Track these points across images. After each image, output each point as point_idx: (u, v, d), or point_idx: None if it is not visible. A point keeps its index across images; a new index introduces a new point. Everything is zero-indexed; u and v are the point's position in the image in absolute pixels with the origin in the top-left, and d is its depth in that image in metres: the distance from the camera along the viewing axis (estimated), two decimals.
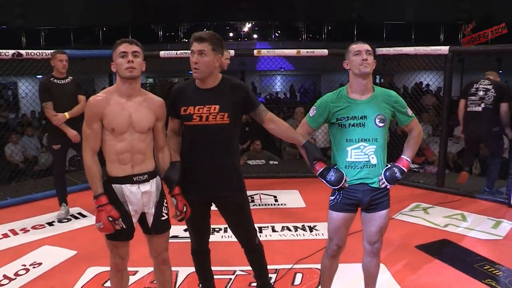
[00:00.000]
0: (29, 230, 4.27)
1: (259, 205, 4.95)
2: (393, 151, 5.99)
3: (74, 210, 4.79)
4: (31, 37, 17.46)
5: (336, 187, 2.47)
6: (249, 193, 2.71)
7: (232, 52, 5.36)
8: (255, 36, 19.13)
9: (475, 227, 4.25)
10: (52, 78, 4.47)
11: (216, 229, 4.04)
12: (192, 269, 3.27)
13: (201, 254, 2.74)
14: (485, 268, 3.39)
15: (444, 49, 5.22)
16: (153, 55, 5.82)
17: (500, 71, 17.85)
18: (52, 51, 4.61)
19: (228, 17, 19.59)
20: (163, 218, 2.47)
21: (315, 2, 19.64)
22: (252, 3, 20.13)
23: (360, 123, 2.41)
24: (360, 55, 2.39)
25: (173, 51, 5.88)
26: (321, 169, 2.49)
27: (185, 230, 4.08)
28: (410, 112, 2.54)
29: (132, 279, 3.16)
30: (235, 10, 20.18)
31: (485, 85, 5.08)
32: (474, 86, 5.14)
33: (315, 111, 2.54)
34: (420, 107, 7.27)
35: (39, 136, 8.66)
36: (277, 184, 5.69)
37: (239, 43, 17.69)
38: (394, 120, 2.60)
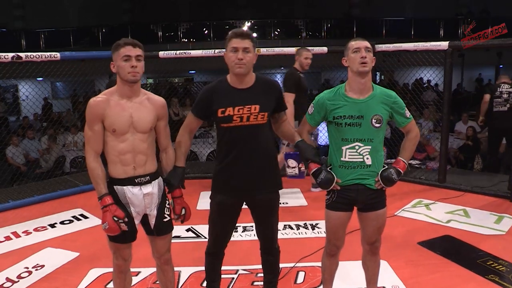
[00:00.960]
0: (31, 233, 4.28)
1: None
2: (394, 148, 6.03)
3: (76, 212, 4.79)
4: (31, 39, 17.47)
5: (326, 189, 2.47)
6: None
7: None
8: (254, 34, 19.12)
9: (477, 223, 4.24)
10: (298, 72, 5.02)
11: None
12: (195, 269, 3.30)
13: (215, 256, 2.67)
14: (488, 263, 3.38)
15: (444, 45, 5.21)
16: (152, 56, 5.82)
17: (501, 66, 17.87)
18: (50, 53, 4.60)
19: (228, 16, 19.57)
20: (165, 220, 2.46)
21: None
22: (251, 1, 20.15)
23: (356, 122, 2.38)
24: (359, 52, 2.35)
25: (172, 51, 5.87)
26: (314, 169, 2.49)
27: (187, 230, 4.09)
28: (408, 113, 2.50)
29: (135, 279, 3.16)
30: (234, 9, 20.18)
31: (506, 88, 6.12)
32: (498, 90, 6.15)
33: (313, 109, 2.52)
34: (421, 103, 7.27)
35: (40, 138, 8.68)
36: None
37: None
38: None
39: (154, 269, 2.69)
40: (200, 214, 3.53)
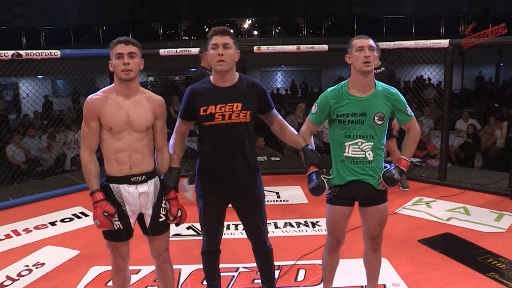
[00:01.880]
0: (31, 231, 4.28)
1: None
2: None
3: (76, 210, 4.80)
4: (31, 37, 17.44)
5: (314, 195, 2.48)
6: None
7: None
8: (255, 32, 19.09)
9: (478, 220, 4.24)
10: None
11: None
12: (195, 267, 3.30)
13: (211, 255, 2.69)
14: (488, 261, 3.38)
15: (444, 43, 5.20)
16: (153, 53, 5.81)
17: (501, 64, 17.85)
18: (50, 50, 4.60)
19: (228, 14, 19.54)
20: (160, 220, 2.46)
21: None
22: None
23: (359, 120, 2.39)
24: (362, 51, 2.36)
25: (173, 49, 5.87)
26: (311, 171, 2.47)
27: (187, 228, 4.09)
28: (409, 111, 2.50)
29: (135, 277, 3.17)
30: (235, 6, 20.15)
31: None
32: None
33: (316, 108, 2.52)
34: (422, 101, 7.26)
35: (40, 136, 8.67)
36: (279, 180, 5.69)
37: (239, 40, 17.60)
38: None
39: (154, 267, 2.68)
40: None
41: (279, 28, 19.15)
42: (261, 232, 2.62)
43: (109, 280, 3.15)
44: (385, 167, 2.49)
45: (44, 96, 11.30)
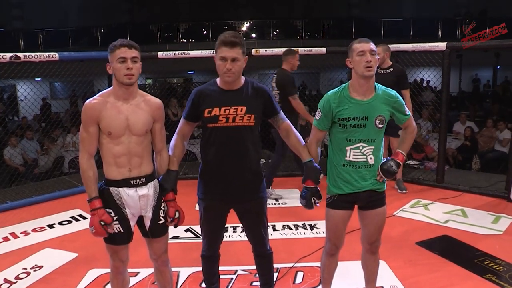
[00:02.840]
0: (29, 233, 4.27)
1: None
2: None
3: (74, 212, 4.79)
4: (29, 39, 17.43)
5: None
6: None
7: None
8: (253, 35, 19.12)
9: (475, 223, 4.25)
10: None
11: None
12: (193, 269, 3.30)
13: (210, 259, 2.68)
14: (485, 263, 3.39)
15: (442, 45, 5.22)
16: (151, 56, 5.81)
17: (498, 66, 17.91)
18: (49, 53, 4.60)
19: (226, 16, 19.56)
20: (160, 222, 2.46)
21: (312, 0, 19.66)
22: (250, 1, 20.14)
23: (361, 124, 2.39)
24: (364, 56, 2.34)
25: (171, 52, 5.87)
26: (306, 186, 2.51)
27: (186, 231, 4.09)
28: (407, 111, 2.52)
29: (134, 280, 3.17)
30: (233, 9, 20.17)
31: None
32: None
33: (320, 113, 2.50)
34: (419, 104, 7.27)
35: (38, 138, 8.65)
36: (277, 183, 5.69)
37: None
38: None
39: (153, 270, 2.68)
40: (198, 215, 3.52)
41: (277, 30, 19.18)
42: (262, 236, 2.62)
43: (108, 283, 3.14)
44: (383, 158, 2.51)
45: (42, 99, 11.28)
